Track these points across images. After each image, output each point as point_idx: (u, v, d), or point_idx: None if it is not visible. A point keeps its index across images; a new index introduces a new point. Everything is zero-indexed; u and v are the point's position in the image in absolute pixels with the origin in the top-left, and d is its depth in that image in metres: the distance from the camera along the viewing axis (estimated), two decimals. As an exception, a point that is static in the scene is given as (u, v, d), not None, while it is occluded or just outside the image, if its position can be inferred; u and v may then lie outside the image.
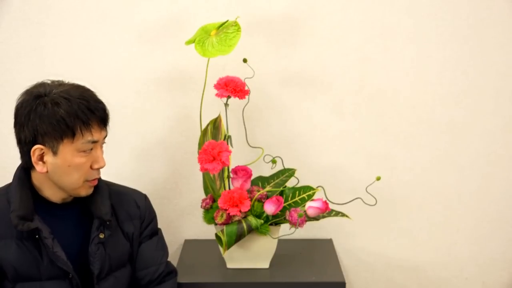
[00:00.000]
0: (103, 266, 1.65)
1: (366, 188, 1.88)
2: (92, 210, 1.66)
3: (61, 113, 1.54)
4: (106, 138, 1.67)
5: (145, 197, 1.82)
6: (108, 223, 1.65)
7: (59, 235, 1.61)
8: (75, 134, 1.55)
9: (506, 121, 2.18)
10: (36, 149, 1.58)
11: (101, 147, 1.63)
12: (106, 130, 1.63)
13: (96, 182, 1.64)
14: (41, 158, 1.58)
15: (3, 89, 2.17)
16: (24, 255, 1.58)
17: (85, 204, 1.67)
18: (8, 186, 1.66)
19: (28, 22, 2.13)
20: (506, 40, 2.14)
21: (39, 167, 1.58)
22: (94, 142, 1.59)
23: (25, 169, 1.65)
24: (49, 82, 1.62)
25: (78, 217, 1.67)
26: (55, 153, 1.57)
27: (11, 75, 2.16)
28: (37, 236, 1.58)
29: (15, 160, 2.20)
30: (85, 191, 1.63)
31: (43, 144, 1.57)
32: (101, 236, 1.64)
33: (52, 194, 1.63)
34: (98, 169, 1.62)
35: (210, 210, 1.93)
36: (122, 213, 1.74)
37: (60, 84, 1.61)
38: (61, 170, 1.58)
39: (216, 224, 1.91)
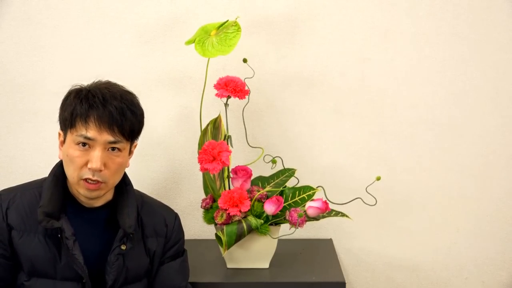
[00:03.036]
0: (119, 277, 1.64)
1: (366, 188, 1.88)
2: (118, 219, 1.64)
3: (72, 102, 1.58)
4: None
5: (175, 217, 1.79)
6: (131, 236, 1.63)
7: (82, 238, 1.60)
8: (73, 125, 1.57)
9: (505, 121, 2.18)
10: (60, 135, 1.63)
11: (105, 149, 1.58)
12: (114, 135, 1.58)
13: (93, 187, 1.58)
14: (62, 144, 1.63)
15: (3, 89, 2.17)
16: (43, 252, 1.59)
17: (114, 211, 1.66)
18: (43, 180, 1.66)
19: (28, 22, 2.13)
20: (506, 40, 2.14)
21: (59, 153, 1.63)
22: (89, 139, 1.56)
23: (63, 166, 1.64)
24: (107, 80, 1.65)
25: (104, 223, 1.66)
26: (64, 140, 1.61)
27: (11, 75, 2.16)
28: (59, 235, 1.58)
29: (15, 160, 2.20)
30: (83, 191, 1.60)
31: (62, 130, 1.62)
32: (123, 247, 1.62)
33: (78, 194, 1.62)
34: (91, 170, 1.57)
35: (210, 210, 1.93)
36: (149, 228, 1.72)
37: (109, 82, 1.64)
38: (64, 160, 1.61)
39: (216, 224, 1.90)
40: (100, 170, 1.57)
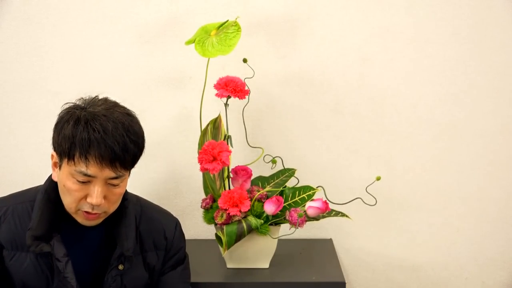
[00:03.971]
0: None
1: (366, 188, 1.88)
2: (115, 239, 1.57)
3: (70, 132, 1.47)
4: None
5: (175, 225, 1.73)
6: (130, 257, 1.57)
7: (77, 257, 1.55)
8: (70, 158, 1.47)
9: (505, 121, 2.18)
10: (53, 156, 1.55)
11: (106, 183, 1.50)
12: (116, 171, 1.48)
13: (94, 218, 1.52)
14: (55, 165, 1.54)
15: (3, 89, 2.17)
16: (35, 273, 1.54)
17: (110, 228, 1.59)
18: (37, 192, 1.58)
19: (28, 22, 2.13)
20: (506, 40, 2.14)
21: (53, 174, 1.56)
22: (89, 176, 1.47)
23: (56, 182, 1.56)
24: (104, 98, 1.55)
25: (100, 240, 1.59)
26: (60, 166, 1.52)
27: (11, 75, 2.16)
28: (50, 257, 1.52)
29: (15, 160, 2.20)
30: (81, 220, 1.53)
31: (57, 155, 1.52)
32: (120, 267, 1.56)
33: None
34: (91, 204, 1.49)
35: (210, 210, 1.93)
36: (148, 242, 1.65)
37: (106, 103, 1.53)
38: (60, 187, 1.53)
39: (216, 224, 1.90)
40: (100, 204, 1.50)
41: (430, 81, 2.17)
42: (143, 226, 1.66)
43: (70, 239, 1.56)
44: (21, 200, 1.60)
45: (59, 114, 1.53)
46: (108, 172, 1.48)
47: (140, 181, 2.14)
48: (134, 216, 1.63)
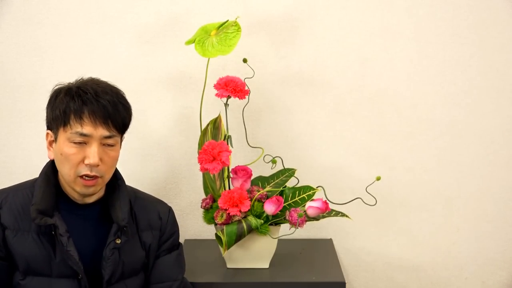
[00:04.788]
0: (115, 271, 1.64)
1: (366, 188, 1.88)
2: (111, 213, 1.65)
3: (63, 100, 1.57)
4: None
5: (169, 210, 1.80)
6: (125, 229, 1.63)
7: (77, 235, 1.61)
8: (67, 123, 1.56)
9: (506, 121, 2.18)
10: (48, 135, 1.63)
11: (101, 144, 1.59)
12: (109, 129, 1.59)
13: (91, 183, 1.59)
14: (50, 144, 1.63)
15: (3, 89, 2.17)
16: (38, 250, 1.59)
17: (106, 206, 1.67)
18: (34, 181, 1.66)
19: (28, 22, 2.14)
20: (506, 40, 2.14)
21: (48, 153, 1.63)
22: (85, 135, 1.56)
23: (53, 165, 1.65)
24: (86, 78, 1.65)
25: (98, 218, 1.66)
26: (56, 140, 1.60)
27: (11, 75, 2.16)
28: (53, 233, 1.58)
29: (15, 159, 2.20)
30: (79, 188, 1.60)
31: (51, 130, 1.61)
32: (117, 241, 1.62)
33: (71, 191, 1.63)
34: (89, 165, 1.57)
35: (210, 210, 1.93)
36: (143, 222, 1.72)
37: (94, 79, 1.65)
38: (58, 159, 1.60)
39: (216, 224, 1.91)
40: (98, 165, 1.57)
41: (430, 81, 2.17)
42: (137, 208, 1.73)
43: (69, 217, 1.62)
44: (21, 187, 1.68)
45: (50, 95, 1.63)
46: (102, 131, 1.58)
47: (140, 181, 2.14)
48: (128, 198, 1.70)
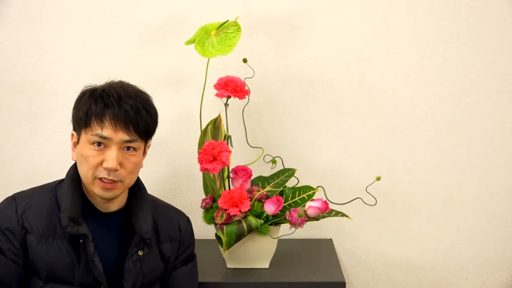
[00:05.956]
0: (136, 283, 1.62)
1: (366, 188, 1.88)
2: (133, 224, 1.63)
3: (87, 102, 1.56)
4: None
5: (187, 221, 1.78)
6: (148, 241, 1.62)
7: (99, 243, 1.59)
8: (88, 125, 1.55)
9: (506, 121, 2.18)
10: (72, 136, 1.62)
11: (121, 148, 1.56)
12: (129, 134, 1.56)
13: (109, 186, 1.56)
14: (74, 145, 1.62)
15: (3, 89, 2.17)
16: (63, 257, 1.56)
17: (129, 216, 1.64)
18: (57, 183, 1.64)
19: (28, 22, 2.13)
20: (506, 40, 2.14)
21: (72, 155, 1.62)
22: (104, 138, 1.54)
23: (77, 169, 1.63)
24: (116, 81, 1.64)
25: (120, 228, 1.64)
26: (79, 141, 1.59)
27: (11, 75, 2.16)
28: (81, 241, 1.55)
29: (15, 160, 2.20)
30: (97, 190, 1.57)
31: (75, 131, 1.61)
32: (140, 253, 1.61)
33: (94, 197, 1.61)
34: (107, 169, 1.55)
35: (210, 210, 1.93)
36: (164, 233, 1.70)
37: (123, 82, 1.64)
38: (78, 160, 1.59)
39: (216, 224, 1.90)
40: (116, 170, 1.55)
41: (430, 81, 2.17)
42: (158, 218, 1.71)
43: (92, 225, 1.60)
44: (43, 191, 1.64)
45: (78, 96, 1.62)
46: (122, 135, 1.55)
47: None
48: (151, 207, 1.68)
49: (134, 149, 1.59)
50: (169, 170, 2.21)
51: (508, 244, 2.24)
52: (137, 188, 1.68)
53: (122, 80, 1.65)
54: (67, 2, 2.13)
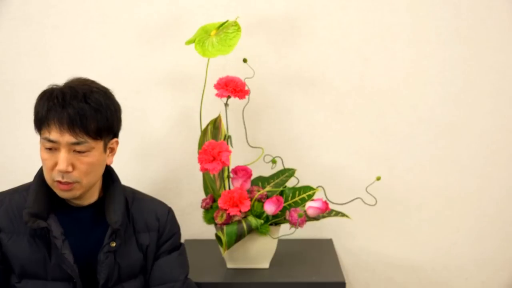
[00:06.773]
0: (111, 275, 1.62)
1: (366, 188, 1.88)
2: (106, 216, 1.63)
3: (38, 105, 1.57)
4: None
5: (168, 211, 1.75)
6: (118, 231, 1.61)
7: (72, 237, 1.59)
8: (39, 128, 1.57)
9: (505, 121, 2.18)
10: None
11: (71, 150, 1.54)
12: (76, 136, 1.53)
13: (66, 188, 1.56)
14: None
15: (3, 89, 2.17)
16: (33, 253, 1.58)
17: (102, 209, 1.65)
18: (31, 183, 1.66)
19: (28, 22, 2.13)
20: (506, 40, 2.14)
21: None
22: (52, 141, 1.53)
23: None
24: (80, 77, 1.63)
25: (94, 221, 1.64)
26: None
27: (11, 75, 2.16)
28: (47, 235, 1.57)
29: (15, 159, 2.20)
30: (58, 191, 1.58)
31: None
32: (112, 244, 1.60)
33: None
34: (59, 172, 1.54)
35: (210, 210, 1.93)
36: (140, 223, 1.69)
37: (80, 79, 1.61)
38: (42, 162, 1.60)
39: (216, 224, 1.91)
40: (67, 172, 1.54)
41: (430, 81, 2.17)
42: (135, 210, 1.70)
43: (65, 220, 1.61)
44: (17, 190, 1.67)
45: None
46: (68, 137, 1.53)
47: (140, 181, 2.14)
48: (125, 198, 1.68)
49: (85, 150, 1.56)
50: (169, 170, 2.21)
51: (508, 244, 2.24)
52: (110, 181, 1.68)
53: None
54: (67, 2, 2.13)
